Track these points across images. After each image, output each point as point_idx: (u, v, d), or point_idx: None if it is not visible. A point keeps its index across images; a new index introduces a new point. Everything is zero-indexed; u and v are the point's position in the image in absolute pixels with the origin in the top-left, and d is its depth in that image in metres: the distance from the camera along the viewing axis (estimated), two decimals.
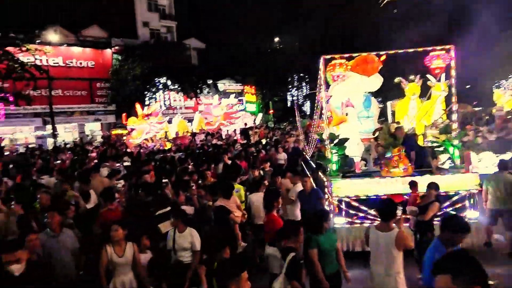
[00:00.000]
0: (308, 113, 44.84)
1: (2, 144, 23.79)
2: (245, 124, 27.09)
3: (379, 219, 6.65)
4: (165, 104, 32.34)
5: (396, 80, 11.55)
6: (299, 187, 7.21)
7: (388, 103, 18.29)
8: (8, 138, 26.83)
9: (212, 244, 4.55)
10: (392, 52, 8.43)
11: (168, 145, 18.75)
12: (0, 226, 5.90)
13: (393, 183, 7.15)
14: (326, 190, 7.45)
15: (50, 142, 26.12)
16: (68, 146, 22.49)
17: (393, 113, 12.96)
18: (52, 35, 27.19)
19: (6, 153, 19.78)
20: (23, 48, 23.01)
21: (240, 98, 38.54)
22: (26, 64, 23.56)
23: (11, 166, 12.84)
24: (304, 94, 48.69)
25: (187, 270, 5.11)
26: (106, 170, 10.24)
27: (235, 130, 24.90)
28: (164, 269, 4.30)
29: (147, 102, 29.98)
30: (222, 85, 39.66)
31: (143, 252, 5.05)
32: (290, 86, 47.44)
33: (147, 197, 7.15)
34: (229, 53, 39.09)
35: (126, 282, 4.63)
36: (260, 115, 36.69)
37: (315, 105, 10.03)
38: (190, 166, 10.88)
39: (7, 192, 8.34)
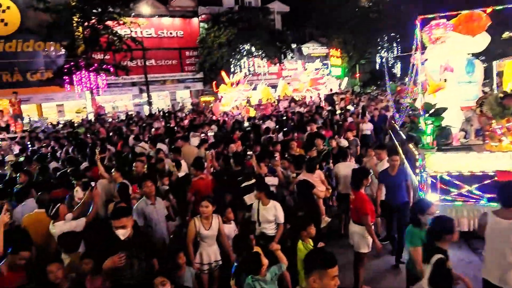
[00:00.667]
0: (398, 76, 41.88)
1: (106, 111, 26.34)
2: (330, 90, 26.25)
3: (482, 199, 6.11)
4: (249, 71, 32.60)
5: (505, 35, 10.02)
6: (385, 164, 6.78)
7: (494, 63, 16.14)
8: (110, 105, 29.48)
9: (297, 222, 4.53)
10: (500, 8, 7.27)
11: (252, 113, 18.97)
12: (104, 192, 6.52)
13: (500, 159, 6.34)
14: (417, 164, 6.91)
15: (146, 110, 28.18)
16: (162, 113, 23.97)
17: (499, 74, 11.38)
18: (145, 8, 28.68)
19: (109, 119, 21.82)
20: (120, 22, 24.72)
21: (325, 62, 37.27)
22: (123, 36, 25.39)
23: (111, 133, 14.07)
24: (394, 56, 45.27)
25: (270, 242, 5.20)
26: (197, 139, 10.69)
27: (319, 96, 24.29)
28: (248, 241, 4.33)
29: (232, 69, 30.52)
30: (307, 49, 38.59)
31: (227, 223, 5.21)
32: (379, 48, 44.35)
33: (236, 167, 7.32)
34: (313, 16, 37.60)
35: (211, 253, 4.86)
36: (346, 79, 35.20)
37: (410, 69, 9.15)
38: (274, 135, 10.88)
39: (110, 159, 9.20)
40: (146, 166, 7.61)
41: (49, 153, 10.87)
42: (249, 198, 6.01)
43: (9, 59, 25.47)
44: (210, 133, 11.84)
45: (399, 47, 43.64)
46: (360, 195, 5.09)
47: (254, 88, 24.99)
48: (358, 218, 5.07)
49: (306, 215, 5.29)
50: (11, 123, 16.18)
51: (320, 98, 23.18)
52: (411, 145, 7.74)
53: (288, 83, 27.38)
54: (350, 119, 13.61)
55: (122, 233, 3.98)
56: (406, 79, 9.76)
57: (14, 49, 25.70)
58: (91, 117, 23.59)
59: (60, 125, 20.88)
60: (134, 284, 3.88)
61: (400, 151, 9.15)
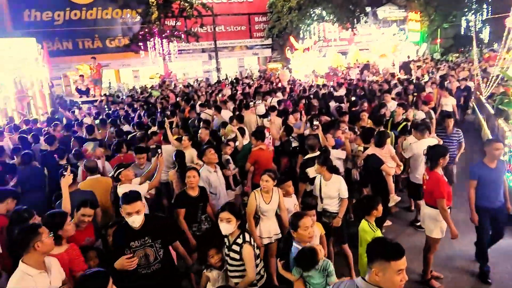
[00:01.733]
0: (486, 41, 37.69)
1: (177, 77, 27.15)
2: (408, 57, 24.37)
3: None
4: (319, 37, 31.35)
5: None
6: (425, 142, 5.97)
7: None
8: (181, 72, 30.31)
9: (364, 201, 4.20)
10: None
11: (320, 81, 18.30)
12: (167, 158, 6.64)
13: None
14: (506, 142, 6.11)
15: (214, 76, 28.61)
16: (229, 80, 24.12)
17: None
18: None
19: (180, 85, 22.45)
20: None
21: (401, 27, 34.56)
22: (194, 2, 25.62)
23: (179, 99, 14.42)
24: (483, 19, 40.55)
25: (332, 219, 4.95)
26: (263, 107, 10.51)
27: (393, 63, 22.69)
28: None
29: (302, 35, 29.56)
30: (382, 12, 35.95)
31: (287, 196, 5.02)
32: (465, 10, 39.92)
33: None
34: None
35: (270, 227, 4.72)
36: (425, 45, 32.49)
37: (506, 33, 7.98)
38: (343, 105, 10.35)
39: (177, 125, 9.39)
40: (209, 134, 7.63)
41: (122, 116, 11.42)
42: (312, 171, 5.74)
43: (90, 26, 27.03)
44: (274, 101, 11.56)
45: (489, 9, 38.93)
46: (435, 175, 4.56)
47: (324, 55, 24.03)
48: (432, 200, 4.59)
49: (374, 194, 4.93)
50: (91, 87, 17.28)
51: (394, 66, 21.65)
52: (500, 121, 6.85)
53: (365, 50, 25.87)
54: (429, 89, 12.46)
55: (136, 220, 3.47)
56: (495, 45, 8.56)
57: (95, 17, 27.17)
58: (168, 82, 24.43)
59: (135, 90, 22.00)
60: (151, 273, 3.61)
61: (485, 127, 8.19)
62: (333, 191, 4.98)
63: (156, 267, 3.65)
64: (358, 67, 22.24)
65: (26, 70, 13.38)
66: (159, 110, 12.00)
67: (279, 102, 11.17)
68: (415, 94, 12.01)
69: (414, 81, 14.98)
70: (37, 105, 14.46)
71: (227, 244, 3.70)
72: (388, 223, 6.44)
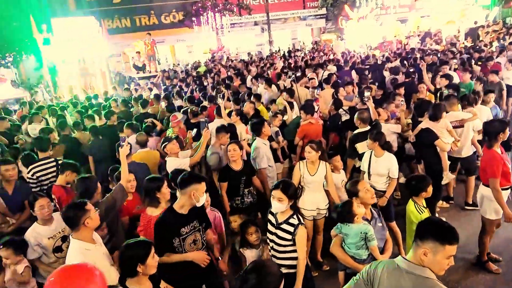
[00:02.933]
0: None
1: (230, 51, 27.23)
2: (475, 23, 22.37)
3: None
4: (376, 4, 29.63)
5: None
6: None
7: None
8: (234, 46, 30.28)
9: (414, 180, 3.99)
10: None
11: (377, 52, 17.44)
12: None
13: None
14: None
15: (267, 49, 28.29)
16: (282, 52, 23.75)
17: None
18: None
19: (234, 59, 22.53)
20: None
21: None
22: None
23: (230, 73, 14.46)
24: None
25: (378, 197, 4.80)
26: (305, 81, 10.25)
27: (459, 30, 20.95)
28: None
29: (357, 3, 28.13)
30: None
31: (335, 172, 4.93)
32: None
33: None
34: None
35: (315, 200, 4.68)
36: (496, 9, 29.52)
37: None
38: (399, 77, 9.82)
39: (228, 99, 9.46)
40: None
41: (176, 91, 11.74)
42: (362, 146, 5.57)
43: (146, 3, 27.70)
44: (326, 74, 11.21)
45: None
46: (492, 153, 4.19)
47: (381, 24, 22.77)
48: (486, 179, 4.27)
49: (426, 171, 4.66)
50: (146, 63, 17.87)
51: (458, 33, 20.00)
52: None
53: (422, 17, 24.16)
54: (500, 59, 11.35)
55: (203, 200, 3.40)
56: None
57: None
58: (218, 57, 24.67)
59: (189, 66, 22.46)
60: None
61: None
62: (383, 168, 4.80)
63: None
64: (418, 35, 20.85)
65: (88, 48, 14.10)
66: (209, 84, 12.17)
67: (330, 74, 10.83)
68: (479, 64, 11.05)
69: (481, 48, 13.76)
70: (98, 81, 15.28)
71: (273, 222, 3.57)
72: (445, 205, 6.15)
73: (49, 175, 5.25)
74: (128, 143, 4.70)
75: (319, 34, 31.56)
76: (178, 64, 25.08)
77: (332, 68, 12.65)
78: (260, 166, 5.40)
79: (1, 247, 3.31)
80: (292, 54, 20.56)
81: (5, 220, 4.62)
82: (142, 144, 5.74)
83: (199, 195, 3.32)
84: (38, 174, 5.23)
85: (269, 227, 3.65)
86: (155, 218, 3.58)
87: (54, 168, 5.29)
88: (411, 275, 2.19)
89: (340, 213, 3.44)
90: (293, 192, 3.44)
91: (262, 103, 8.38)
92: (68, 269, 2.12)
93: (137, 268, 2.59)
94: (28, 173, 5.25)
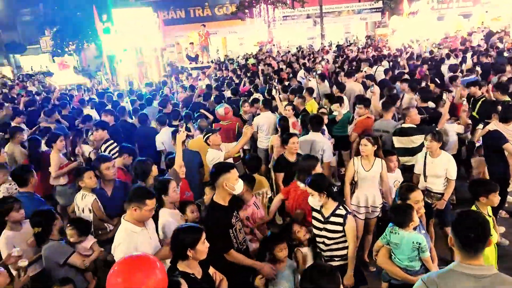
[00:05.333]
0: None
1: (281, 45, 27.09)
2: None
3: None
4: None
5: None
6: None
7: None
8: (285, 39, 30.06)
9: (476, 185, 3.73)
10: None
11: (433, 50, 16.56)
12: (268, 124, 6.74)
13: None
14: None
15: (318, 43, 27.81)
16: (333, 46, 23.27)
17: None
18: None
19: (283, 54, 22.39)
20: None
21: None
22: None
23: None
24: None
25: (435, 200, 4.57)
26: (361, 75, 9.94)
27: None
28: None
29: None
30: None
31: (390, 172, 4.74)
32: None
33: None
34: None
35: (369, 196, 4.53)
36: None
37: None
38: (460, 75, 9.26)
39: (279, 92, 9.41)
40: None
41: (226, 83, 11.86)
42: (399, 141, 5.39)
43: None
44: (380, 70, 10.83)
45: None
46: None
47: (440, 18, 21.54)
48: None
49: (491, 176, 4.36)
50: (199, 54, 18.23)
51: None
52: None
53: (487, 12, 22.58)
54: None
55: (240, 186, 3.40)
56: None
57: None
58: (265, 49, 24.65)
59: (239, 57, 22.63)
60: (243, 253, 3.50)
61: None
62: (440, 169, 4.55)
63: (246, 245, 3.61)
64: (483, 31, 19.52)
65: (145, 38, 14.61)
66: (261, 77, 12.18)
67: (385, 71, 10.45)
68: None
69: None
70: (153, 71, 15.80)
71: (319, 218, 3.57)
72: (504, 215, 5.74)
73: (116, 154, 5.49)
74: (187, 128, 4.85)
75: (373, 28, 30.54)
76: (229, 57, 25.38)
77: (385, 64, 12.21)
78: (326, 160, 5.43)
79: (68, 225, 3.49)
80: (345, 49, 20.06)
81: (102, 226, 4.28)
82: (203, 130, 5.85)
83: (232, 183, 3.30)
84: (112, 152, 5.61)
85: (316, 223, 3.62)
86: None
87: (117, 149, 5.57)
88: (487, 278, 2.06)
89: (398, 215, 3.27)
90: (323, 186, 3.44)
91: (314, 98, 8.24)
92: (131, 260, 2.19)
93: (187, 252, 2.65)
94: (104, 150, 5.63)
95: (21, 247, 3.72)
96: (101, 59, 22.88)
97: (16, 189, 4.60)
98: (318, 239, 3.60)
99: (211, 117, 7.71)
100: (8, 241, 3.69)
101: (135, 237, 3.13)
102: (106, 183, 4.42)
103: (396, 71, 10.53)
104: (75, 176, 4.35)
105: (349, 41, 27.11)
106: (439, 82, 8.99)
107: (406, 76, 9.01)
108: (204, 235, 2.73)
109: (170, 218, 3.63)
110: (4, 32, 38.02)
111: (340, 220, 3.45)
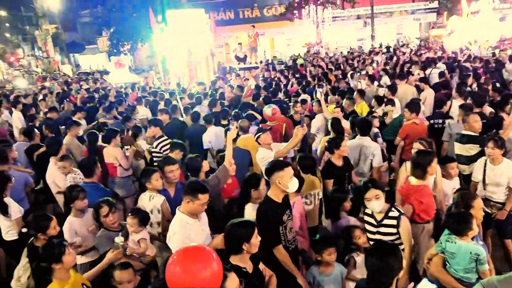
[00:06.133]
0: None
1: (328, 46, 26.73)
2: None
3: None
4: None
5: None
6: None
7: None
8: (334, 40, 29.61)
9: None
10: None
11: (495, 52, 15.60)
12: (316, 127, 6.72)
13: None
14: None
15: (368, 44, 27.15)
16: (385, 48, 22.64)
17: None
18: None
19: (331, 54, 22.13)
20: None
21: None
22: None
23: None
24: None
25: (496, 209, 4.33)
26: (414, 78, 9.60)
27: None
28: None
29: None
30: None
31: (447, 178, 4.53)
32: None
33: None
34: None
35: None
36: None
37: None
38: None
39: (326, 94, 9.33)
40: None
41: (274, 83, 11.92)
42: (459, 148, 5.14)
43: None
44: (435, 72, 10.40)
45: None
46: None
47: (502, 19, 20.28)
48: None
49: None
50: (247, 55, 18.42)
51: None
52: None
53: None
54: None
55: (295, 184, 3.46)
56: None
57: None
58: (313, 51, 24.44)
59: (287, 58, 22.63)
60: (292, 252, 3.51)
61: None
62: (501, 178, 4.31)
63: (295, 244, 3.58)
64: None
65: (196, 39, 15.00)
66: (308, 78, 12.13)
67: (441, 74, 10.02)
68: None
69: None
70: (202, 71, 16.19)
71: (372, 222, 3.53)
72: None
73: (168, 151, 5.67)
74: (237, 127, 4.95)
75: (427, 29, 29.36)
76: (276, 57, 25.46)
77: (441, 67, 11.71)
78: (376, 164, 5.29)
79: (130, 214, 3.69)
80: (397, 51, 19.45)
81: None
82: (245, 130, 5.94)
83: (286, 181, 3.31)
84: (164, 148, 5.82)
85: (369, 228, 3.57)
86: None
87: (169, 145, 5.75)
88: None
89: (456, 222, 3.12)
90: (384, 185, 3.49)
91: (365, 100, 8.09)
92: (189, 250, 2.29)
93: (243, 246, 2.72)
94: (156, 147, 5.85)
95: (83, 233, 4.01)
96: (154, 59, 23.84)
97: (81, 178, 4.92)
98: (372, 243, 3.55)
99: (259, 117, 7.79)
100: (71, 227, 3.98)
101: (189, 228, 3.28)
102: (168, 185, 4.41)
103: (456, 74, 10.08)
104: (142, 177, 4.35)
105: (401, 42, 26.25)
106: (499, 85, 8.51)
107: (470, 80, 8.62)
108: (256, 230, 2.80)
109: None
110: (66, 32, 40.61)
111: (394, 222, 3.40)
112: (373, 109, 7.44)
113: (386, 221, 3.43)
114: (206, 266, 2.13)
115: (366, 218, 3.60)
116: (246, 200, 3.85)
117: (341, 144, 4.72)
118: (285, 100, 9.28)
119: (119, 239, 3.41)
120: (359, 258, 3.63)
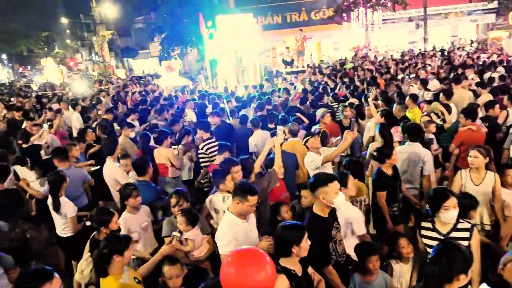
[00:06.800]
0: None
1: (377, 50, 26.04)
2: None
3: None
4: None
5: None
6: None
7: None
8: (383, 44, 28.82)
9: None
10: None
11: None
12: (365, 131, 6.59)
13: None
14: None
15: (420, 47, 26.18)
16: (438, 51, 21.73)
17: None
18: None
19: (380, 58, 21.57)
20: None
21: None
22: None
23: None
24: None
25: None
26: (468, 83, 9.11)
27: None
28: None
29: None
30: None
31: (507, 188, 4.28)
32: None
33: None
34: None
35: (480, 213, 4.16)
36: None
37: None
38: None
39: (375, 98, 9.12)
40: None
41: (321, 87, 11.82)
42: None
43: (298, 0, 28.54)
44: (495, 75, 9.82)
45: None
46: None
47: None
48: None
49: None
50: (295, 59, 18.42)
51: None
52: None
53: None
54: None
55: (339, 201, 3.25)
56: None
57: None
58: (361, 54, 23.96)
59: (334, 62, 22.34)
60: (343, 266, 3.44)
61: None
62: None
63: (345, 256, 3.47)
64: None
65: (244, 43, 15.23)
66: (356, 82, 11.91)
67: (501, 77, 9.45)
68: None
69: None
70: (250, 75, 16.36)
71: (435, 236, 3.29)
72: None
73: (215, 153, 5.84)
74: (285, 131, 4.97)
75: (485, 31, 27.81)
76: (323, 61, 25.23)
77: (501, 70, 11.05)
78: (427, 172, 5.00)
79: (180, 213, 3.84)
80: (451, 54, 18.61)
81: None
82: (294, 133, 5.96)
83: (330, 196, 3.15)
84: (210, 150, 5.97)
85: (432, 242, 3.29)
86: None
87: (216, 147, 5.88)
88: None
89: None
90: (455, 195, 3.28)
91: (419, 105, 7.81)
92: (244, 252, 2.30)
93: (292, 249, 2.73)
94: (202, 149, 6.01)
95: (136, 229, 4.20)
96: (202, 63, 24.48)
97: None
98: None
99: (306, 121, 7.77)
100: (126, 223, 4.17)
101: (236, 228, 3.33)
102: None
103: None
104: (216, 178, 4.36)
105: (455, 45, 25.08)
106: None
107: None
108: (306, 233, 2.79)
109: None
110: (120, 38, 42.76)
111: (465, 234, 3.17)
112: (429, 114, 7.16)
113: (455, 234, 3.20)
114: (261, 269, 2.14)
115: (425, 232, 3.36)
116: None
117: (392, 153, 4.50)
118: (333, 104, 9.16)
119: (176, 233, 3.58)
120: (397, 267, 3.55)
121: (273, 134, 6.04)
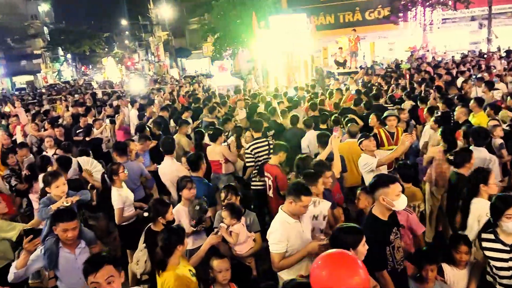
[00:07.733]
0: None
1: (436, 50, 24.83)
2: None
3: None
4: None
5: None
6: None
7: None
8: (442, 44, 27.46)
9: None
10: None
11: None
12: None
13: None
14: None
15: (484, 48, 24.64)
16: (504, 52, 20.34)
17: None
18: None
19: (438, 59, 20.56)
20: None
21: None
22: None
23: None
24: None
25: None
26: None
27: None
28: None
29: None
30: None
31: None
32: None
33: None
34: None
35: None
36: None
37: None
38: None
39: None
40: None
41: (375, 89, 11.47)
42: None
43: None
44: None
45: None
46: None
47: None
48: None
49: None
50: (347, 59, 18.07)
51: None
52: None
53: None
54: None
55: (401, 204, 3.13)
56: None
57: None
58: (417, 55, 22.98)
59: (390, 63, 21.62)
60: (400, 274, 3.28)
61: None
62: None
63: (402, 266, 3.29)
64: None
65: (297, 43, 15.15)
66: (414, 84, 11.43)
67: None
68: None
69: None
70: (301, 75, 16.26)
71: (501, 248, 3.10)
72: None
73: (262, 153, 5.86)
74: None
75: None
76: (377, 62, 24.48)
77: None
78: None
79: (224, 207, 3.91)
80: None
81: None
82: (352, 135, 5.85)
83: (391, 198, 3.01)
84: (255, 151, 5.92)
85: (496, 255, 3.12)
86: None
87: (267, 147, 5.89)
88: None
89: None
90: None
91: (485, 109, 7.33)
92: (336, 255, 2.21)
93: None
94: (247, 148, 6.02)
95: (185, 221, 4.30)
96: (252, 63, 24.65)
97: None
98: (503, 272, 3.11)
99: (361, 122, 7.56)
100: (177, 213, 4.29)
101: (288, 228, 3.32)
102: None
103: None
104: (306, 179, 4.22)
105: None
106: None
107: None
108: (364, 237, 2.71)
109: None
110: (175, 39, 44.22)
111: None
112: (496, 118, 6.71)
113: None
114: (353, 274, 2.05)
115: (487, 244, 3.16)
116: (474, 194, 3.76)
117: (471, 156, 4.32)
118: (389, 106, 8.84)
119: (223, 224, 3.79)
120: (451, 271, 3.36)
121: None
